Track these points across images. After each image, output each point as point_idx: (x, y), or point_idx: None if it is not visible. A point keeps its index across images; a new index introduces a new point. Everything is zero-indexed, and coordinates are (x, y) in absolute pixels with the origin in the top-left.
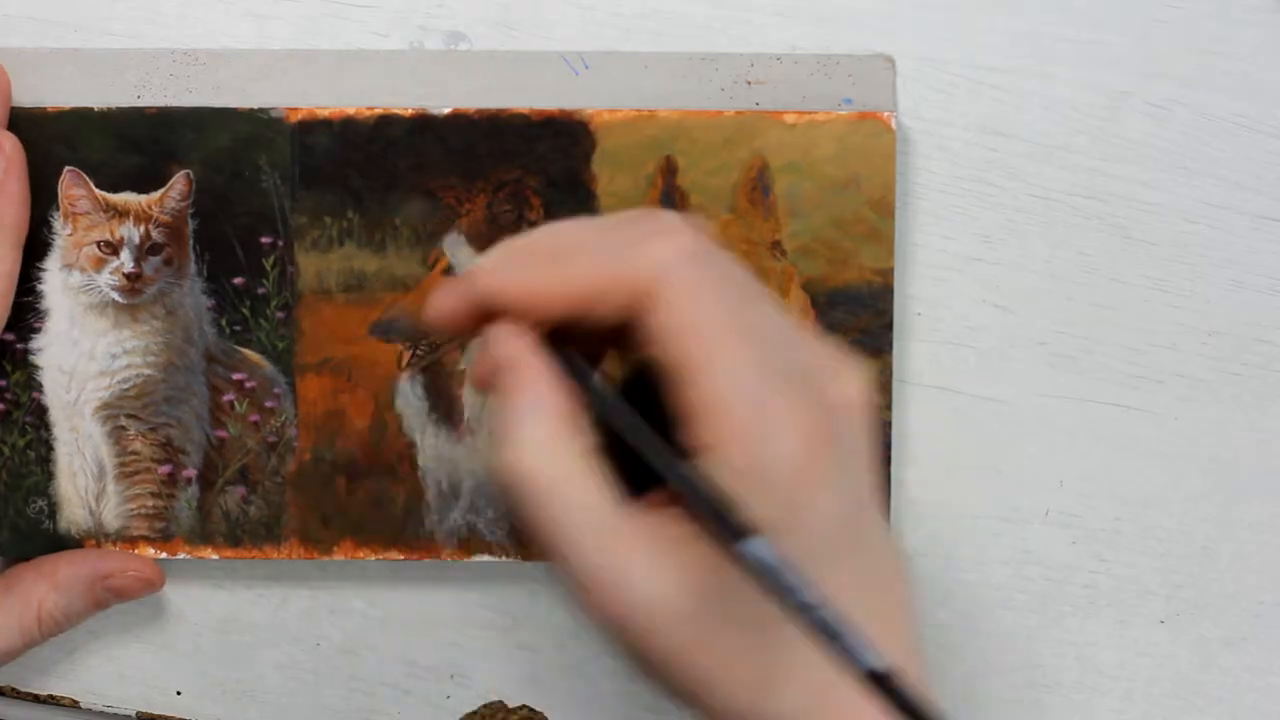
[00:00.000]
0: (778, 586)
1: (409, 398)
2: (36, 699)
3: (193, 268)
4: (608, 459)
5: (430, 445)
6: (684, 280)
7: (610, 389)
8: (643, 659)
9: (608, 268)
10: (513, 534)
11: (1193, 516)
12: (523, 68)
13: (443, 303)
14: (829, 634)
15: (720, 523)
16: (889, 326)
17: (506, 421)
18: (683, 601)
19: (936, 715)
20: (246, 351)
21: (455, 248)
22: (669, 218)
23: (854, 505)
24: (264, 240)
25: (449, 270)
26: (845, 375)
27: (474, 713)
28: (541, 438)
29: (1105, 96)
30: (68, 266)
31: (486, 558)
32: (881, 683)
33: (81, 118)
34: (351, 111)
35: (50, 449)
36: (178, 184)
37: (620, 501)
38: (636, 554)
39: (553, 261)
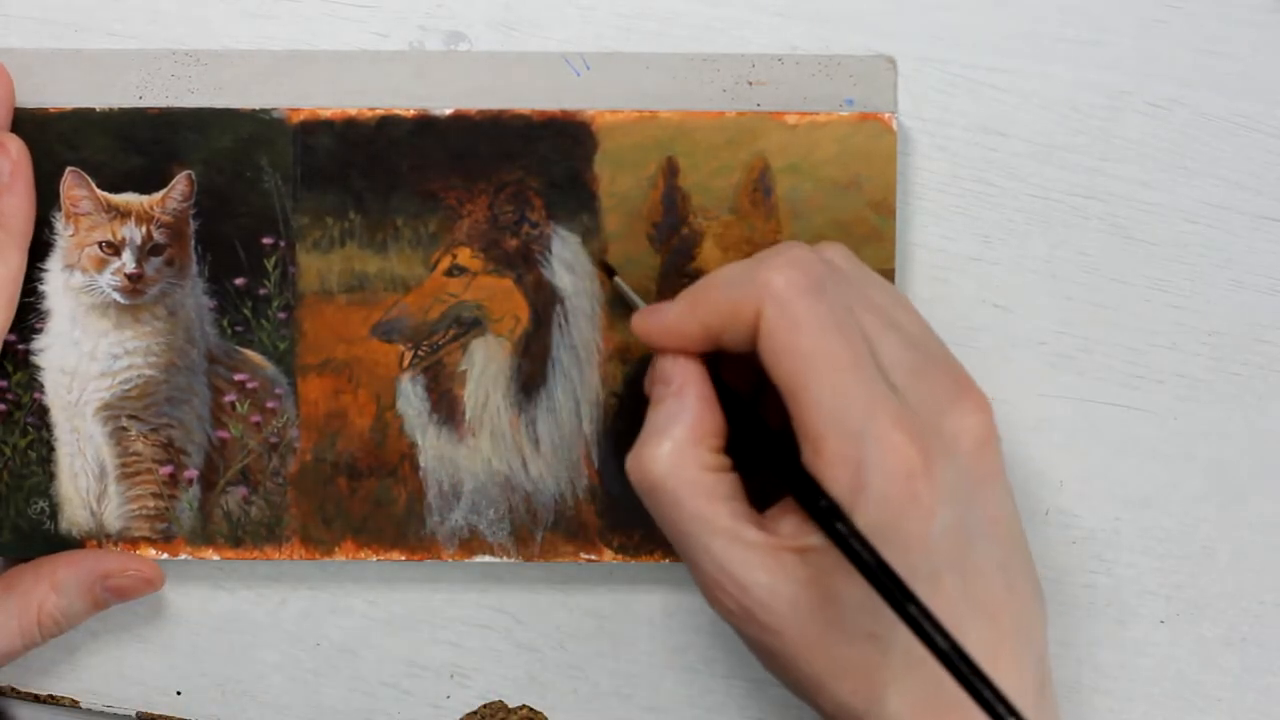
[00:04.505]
0: (882, 584)
1: (410, 399)
2: (36, 699)
3: (194, 268)
4: (749, 473)
5: (431, 446)
6: (787, 309)
7: (749, 409)
8: (763, 654)
9: (728, 298)
10: (513, 534)
11: (1193, 516)
12: (524, 68)
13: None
14: (918, 619)
15: (829, 526)
16: None
17: (644, 432)
18: (798, 607)
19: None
20: (248, 352)
21: (622, 289)
22: (792, 249)
23: (957, 532)
24: (265, 241)
25: (452, 271)
26: (964, 408)
27: (474, 713)
28: (668, 450)
29: (1105, 96)
30: (69, 267)
31: (487, 558)
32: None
33: (83, 118)
34: (353, 112)
35: (52, 450)
36: (179, 184)
37: (744, 513)
38: (757, 561)
39: (690, 297)
